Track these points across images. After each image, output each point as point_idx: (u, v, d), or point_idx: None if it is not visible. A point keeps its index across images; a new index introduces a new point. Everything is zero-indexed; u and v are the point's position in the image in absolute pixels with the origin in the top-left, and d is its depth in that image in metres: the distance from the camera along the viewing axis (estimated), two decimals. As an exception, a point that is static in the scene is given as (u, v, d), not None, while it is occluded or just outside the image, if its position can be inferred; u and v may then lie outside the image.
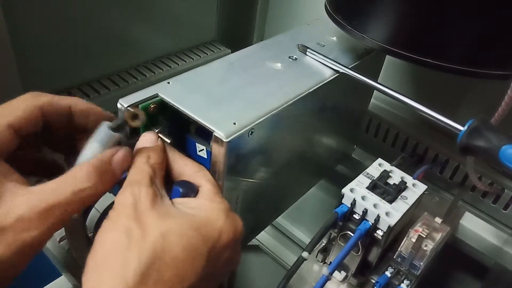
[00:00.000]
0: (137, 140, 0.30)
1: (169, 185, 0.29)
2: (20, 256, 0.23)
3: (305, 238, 0.75)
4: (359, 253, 0.40)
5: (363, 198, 0.39)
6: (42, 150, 0.32)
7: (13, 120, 0.27)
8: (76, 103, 0.30)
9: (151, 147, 0.29)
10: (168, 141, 0.31)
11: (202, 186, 0.29)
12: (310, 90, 0.37)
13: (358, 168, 0.51)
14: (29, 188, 0.24)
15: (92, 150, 0.28)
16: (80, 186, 0.25)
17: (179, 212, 0.26)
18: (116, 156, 0.27)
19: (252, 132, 0.32)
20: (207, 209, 0.26)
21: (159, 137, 0.30)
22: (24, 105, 0.28)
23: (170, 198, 0.27)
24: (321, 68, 0.40)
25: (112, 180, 0.27)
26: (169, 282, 0.22)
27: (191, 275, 0.23)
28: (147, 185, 0.26)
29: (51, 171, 0.27)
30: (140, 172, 0.27)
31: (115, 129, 0.29)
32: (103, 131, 0.29)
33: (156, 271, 0.22)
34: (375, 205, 0.38)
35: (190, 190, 0.28)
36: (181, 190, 0.28)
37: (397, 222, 0.37)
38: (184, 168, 0.30)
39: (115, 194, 0.35)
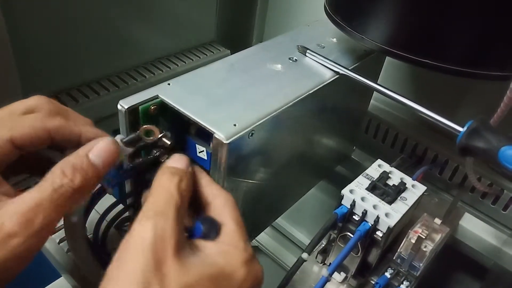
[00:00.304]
0: (143, 144, 0.30)
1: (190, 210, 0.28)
2: (11, 262, 0.23)
3: (305, 239, 0.75)
4: (359, 254, 0.40)
5: (362, 199, 0.39)
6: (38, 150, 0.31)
7: (17, 136, 0.26)
8: (87, 131, 0.29)
9: (184, 170, 0.27)
10: (169, 142, 0.31)
11: (225, 225, 0.26)
12: (310, 92, 0.37)
13: (357, 169, 0.51)
14: (12, 199, 0.24)
15: None
16: (58, 183, 0.24)
17: (199, 262, 0.24)
18: (95, 149, 0.26)
19: (252, 134, 0.32)
20: (228, 258, 0.25)
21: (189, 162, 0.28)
22: (32, 124, 0.27)
23: (190, 235, 0.26)
24: (321, 70, 0.40)
25: (95, 174, 0.25)
26: None
27: None
28: (173, 221, 0.23)
29: (47, 169, 0.26)
30: (168, 200, 0.25)
31: (127, 143, 0.29)
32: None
33: None
34: (374, 206, 0.38)
35: (213, 228, 0.26)
36: (202, 228, 0.26)
37: (396, 223, 0.37)
38: (211, 198, 0.28)
39: (115, 196, 0.35)
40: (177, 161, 0.28)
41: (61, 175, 0.24)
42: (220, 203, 0.27)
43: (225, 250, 0.25)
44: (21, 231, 0.23)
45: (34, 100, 0.28)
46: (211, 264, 0.24)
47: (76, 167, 0.25)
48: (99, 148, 0.26)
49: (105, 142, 0.26)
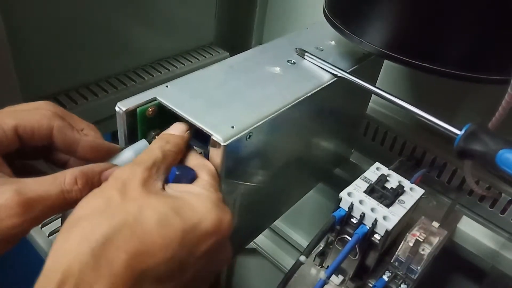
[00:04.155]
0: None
1: None
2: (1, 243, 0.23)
3: (303, 241, 0.75)
4: (357, 257, 0.40)
5: (360, 202, 0.39)
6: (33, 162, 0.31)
7: (21, 126, 0.27)
8: (85, 141, 0.29)
9: (174, 135, 0.30)
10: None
11: (200, 177, 0.28)
12: (308, 94, 0.37)
13: (355, 172, 0.51)
14: (18, 179, 0.24)
15: (125, 157, 0.30)
16: (67, 188, 0.25)
17: (165, 193, 0.25)
18: (108, 172, 0.27)
19: (250, 136, 0.32)
20: (194, 195, 0.26)
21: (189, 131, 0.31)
22: (38, 118, 0.27)
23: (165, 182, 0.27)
24: (319, 72, 0.40)
25: None
26: (134, 252, 0.22)
27: (159, 251, 0.22)
28: (147, 166, 0.26)
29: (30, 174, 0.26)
30: (149, 154, 0.27)
31: None
32: (142, 145, 0.30)
33: (123, 238, 0.22)
34: (372, 209, 0.38)
35: (186, 174, 0.28)
36: (176, 172, 0.27)
37: (394, 226, 0.37)
38: (189, 157, 0.30)
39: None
40: (173, 129, 0.31)
41: (73, 181, 0.25)
42: (198, 162, 0.30)
43: (194, 189, 0.27)
44: (20, 213, 0.23)
45: (41, 103, 0.29)
46: (176, 196, 0.25)
47: (88, 181, 0.26)
48: (111, 173, 0.27)
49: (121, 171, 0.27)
